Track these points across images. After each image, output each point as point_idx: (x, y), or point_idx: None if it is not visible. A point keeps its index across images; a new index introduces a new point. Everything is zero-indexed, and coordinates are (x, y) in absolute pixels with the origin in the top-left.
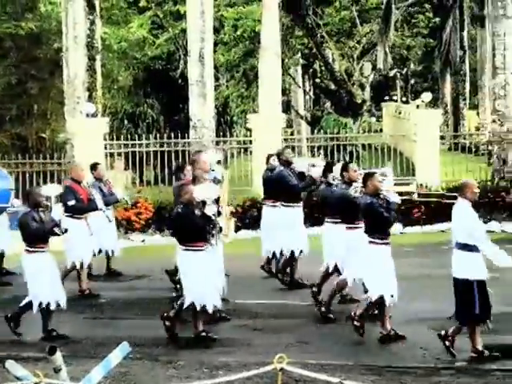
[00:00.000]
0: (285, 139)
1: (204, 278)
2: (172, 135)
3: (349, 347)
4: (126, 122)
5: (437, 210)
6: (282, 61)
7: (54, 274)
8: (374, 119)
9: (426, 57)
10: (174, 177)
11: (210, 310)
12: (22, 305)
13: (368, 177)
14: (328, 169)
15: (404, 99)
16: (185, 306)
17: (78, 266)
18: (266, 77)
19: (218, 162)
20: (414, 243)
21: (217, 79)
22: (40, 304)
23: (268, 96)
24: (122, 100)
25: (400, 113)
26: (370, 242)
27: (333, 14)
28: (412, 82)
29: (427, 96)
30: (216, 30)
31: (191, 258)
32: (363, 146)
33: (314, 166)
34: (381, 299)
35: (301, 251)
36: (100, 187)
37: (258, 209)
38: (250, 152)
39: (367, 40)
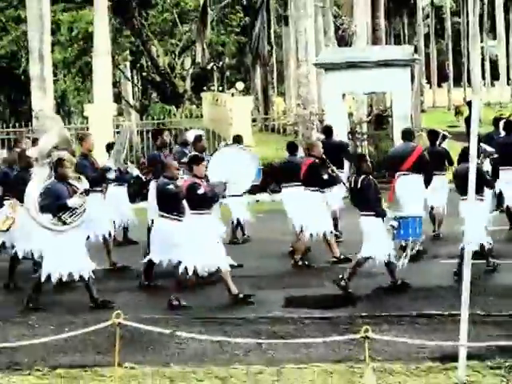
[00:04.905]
0: (117, 125)
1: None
2: (17, 124)
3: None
4: None
5: None
6: (113, 57)
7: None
8: (194, 106)
9: (239, 52)
10: None
11: None
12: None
13: None
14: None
15: (220, 88)
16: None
17: None
18: (98, 72)
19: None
20: None
21: (55, 75)
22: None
23: (101, 88)
24: None
25: (217, 100)
26: None
27: (156, 15)
28: (227, 73)
29: (240, 85)
30: (53, 32)
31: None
32: (186, 129)
33: None
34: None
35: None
36: None
37: None
38: None
39: (187, 38)
